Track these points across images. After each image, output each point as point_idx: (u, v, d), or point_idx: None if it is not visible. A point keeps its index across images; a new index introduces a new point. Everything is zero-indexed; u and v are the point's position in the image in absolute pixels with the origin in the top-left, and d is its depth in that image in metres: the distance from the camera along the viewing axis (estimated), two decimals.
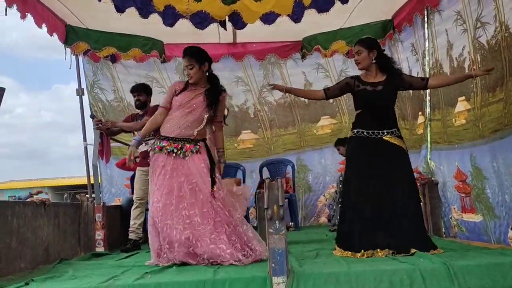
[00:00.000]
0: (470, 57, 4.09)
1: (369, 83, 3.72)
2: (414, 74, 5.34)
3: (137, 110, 5.30)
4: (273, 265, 2.65)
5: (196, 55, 3.69)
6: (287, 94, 6.84)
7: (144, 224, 5.12)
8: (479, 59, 3.96)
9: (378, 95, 3.69)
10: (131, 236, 4.92)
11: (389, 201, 3.52)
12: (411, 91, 5.51)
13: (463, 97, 4.22)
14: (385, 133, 3.64)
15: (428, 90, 4.96)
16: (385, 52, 4.58)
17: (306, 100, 6.89)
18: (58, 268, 3.62)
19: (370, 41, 3.83)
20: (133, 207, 4.99)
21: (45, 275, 3.22)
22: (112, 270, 3.30)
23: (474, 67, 4.02)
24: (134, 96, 5.15)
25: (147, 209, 5.12)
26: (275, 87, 3.98)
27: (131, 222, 4.96)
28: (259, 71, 6.85)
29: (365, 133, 3.67)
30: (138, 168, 5.07)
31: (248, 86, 6.92)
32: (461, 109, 4.27)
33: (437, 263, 2.86)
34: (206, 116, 3.63)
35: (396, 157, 3.62)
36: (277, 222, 2.73)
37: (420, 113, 5.34)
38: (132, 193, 5.95)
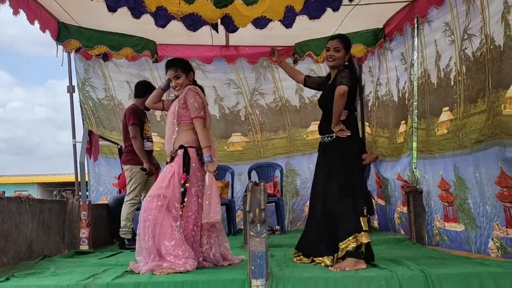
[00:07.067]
0: (456, 68, 4.13)
1: (327, 84, 3.62)
2: (402, 83, 5.44)
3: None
4: (252, 267, 2.67)
5: (182, 65, 3.58)
6: (278, 98, 6.93)
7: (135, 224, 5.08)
8: (464, 70, 4.00)
9: (322, 96, 3.66)
10: (127, 236, 4.86)
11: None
12: (396, 99, 5.60)
13: (447, 107, 4.26)
14: (325, 138, 3.51)
15: (415, 100, 5.04)
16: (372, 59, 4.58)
17: (297, 105, 6.95)
18: (40, 264, 3.63)
19: (349, 41, 3.60)
20: (130, 207, 4.87)
21: (26, 271, 3.22)
22: (94, 269, 3.31)
23: (460, 78, 4.07)
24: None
25: (138, 209, 5.08)
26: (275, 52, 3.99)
27: (126, 223, 4.86)
28: (251, 74, 6.87)
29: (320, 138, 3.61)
30: (133, 165, 4.93)
31: (240, 88, 6.93)
32: (444, 119, 4.31)
33: (415, 270, 2.90)
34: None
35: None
36: (258, 225, 2.75)
37: (403, 122, 5.38)
38: (120, 192, 5.92)
